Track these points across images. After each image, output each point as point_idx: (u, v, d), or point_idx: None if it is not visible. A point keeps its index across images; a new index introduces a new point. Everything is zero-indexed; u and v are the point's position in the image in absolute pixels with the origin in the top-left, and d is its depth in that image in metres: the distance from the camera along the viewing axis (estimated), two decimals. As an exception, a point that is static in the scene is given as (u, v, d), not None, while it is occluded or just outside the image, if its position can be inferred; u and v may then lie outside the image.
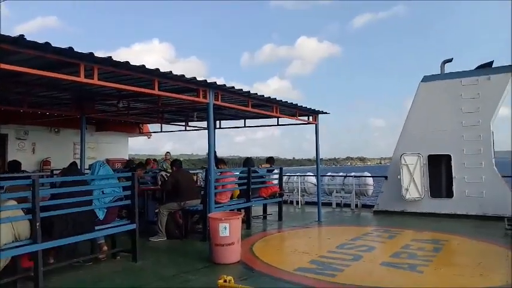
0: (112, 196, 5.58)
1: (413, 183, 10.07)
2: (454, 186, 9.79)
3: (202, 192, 7.42)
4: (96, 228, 5.25)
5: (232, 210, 7.64)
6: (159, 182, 8.42)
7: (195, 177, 9.08)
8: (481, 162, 9.57)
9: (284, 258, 6.13)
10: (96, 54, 4.55)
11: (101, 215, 5.37)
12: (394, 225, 8.60)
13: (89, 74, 4.74)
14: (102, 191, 5.50)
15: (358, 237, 7.30)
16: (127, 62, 4.89)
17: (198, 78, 6.08)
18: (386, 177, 10.91)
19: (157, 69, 5.38)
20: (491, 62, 10.21)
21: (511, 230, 7.56)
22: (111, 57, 4.70)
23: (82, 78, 4.63)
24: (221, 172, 8.06)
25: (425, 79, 10.63)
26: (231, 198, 8.42)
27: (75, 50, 4.30)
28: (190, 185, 7.61)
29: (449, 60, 10.94)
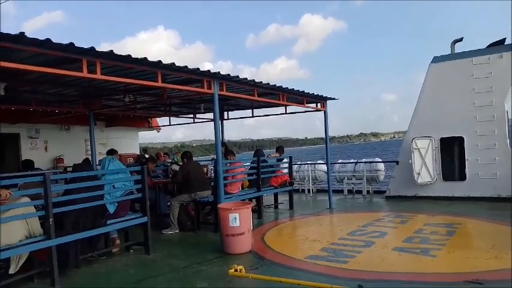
0: (123, 190, 5.64)
1: (425, 167, 9.92)
2: (466, 169, 9.62)
3: (212, 184, 7.44)
4: (108, 222, 5.33)
5: (243, 200, 7.66)
6: (170, 175, 8.47)
7: (205, 169, 9.09)
8: (494, 143, 9.37)
9: (295, 247, 6.13)
10: (101, 46, 4.64)
11: (111, 209, 5.43)
12: (406, 210, 8.52)
13: (92, 69, 4.75)
14: (113, 186, 5.56)
15: (370, 224, 7.25)
16: (129, 55, 4.88)
17: (204, 66, 6.21)
18: (397, 162, 10.78)
19: (160, 61, 5.36)
20: (504, 40, 9.92)
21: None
22: (112, 50, 4.69)
23: (85, 74, 4.64)
24: (230, 163, 8.07)
25: (436, 60, 10.39)
26: (242, 188, 8.45)
27: (76, 45, 4.30)
28: (201, 177, 7.63)
29: (460, 40, 10.67)
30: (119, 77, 5.36)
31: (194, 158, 8.93)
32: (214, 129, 6.75)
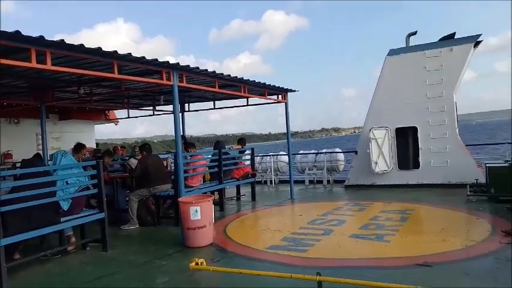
0: (77, 186, 5.42)
1: (382, 156, 10.31)
2: (420, 157, 10.11)
3: (173, 177, 7.32)
4: (62, 220, 5.11)
5: (205, 193, 7.61)
6: (128, 170, 8.21)
7: (165, 162, 8.93)
8: (445, 133, 9.89)
9: (257, 238, 6.19)
10: (55, 38, 4.31)
11: (65, 206, 5.21)
12: (364, 198, 8.83)
13: (42, 59, 4.49)
14: (66, 182, 5.32)
15: (329, 212, 7.46)
16: (81, 45, 4.65)
17: (165, 59, 5.93)
18: (356, 152, 11.12)
19: (116, 52, 5.16)
20: (453, 34, 10.42)
21: (472, 196, 7.91)
22: (63, 40, 4.46)
23: (34, 64, 4.38)
24: (191, 156, 7.97)
25: (391, 53, 10.75)
26: (204, 181, 8.38)
27: (22, 33, 4.05)
28: (160, 170, 7.49)
29: (414, 33, 11.09)
30: (71, 67, 5.11)
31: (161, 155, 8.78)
32: (174, 121, 6.61)
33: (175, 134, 6.63)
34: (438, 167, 9.83)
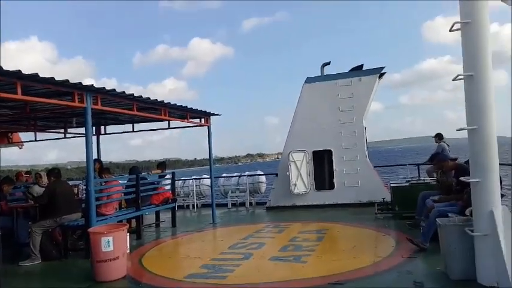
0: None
1: (301, 178, 10.77)
2: (335, 179, 10.75)
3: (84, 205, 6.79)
4: None
5: (121, 221, 7.18)
6: (29, 199, 7.38)
7: (75, 189, 8.26)
8: (356, 155, 10.68)
9: (175, 266, 5.95)
10: None
11: None
12: (284, 220, 9.07)
13: None
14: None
15: (250, 235, 7.50)
16: (-26, 63, 4.18)
17: (85, 82, 5.66)
18: (277, 174, 11.46)
19: (19, 71, 4.77)
20: (362, 65, 11.45)
21: (380, 214, 8.57)
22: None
23: None
24: (105, 182, 7.51)
25: (308, 80, 11.43)
26: (121, 208, 7.92)
27: None
28: (70, 198, 6.89)
29: (328, 63, 11.95)
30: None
31: (70, 182, 8.10)
32: (86, 144, 6.22)
33: (87, 158, 6.22)
34: (351, 187, 10.54)
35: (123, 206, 8.21)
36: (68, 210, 6.57)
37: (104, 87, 6.23)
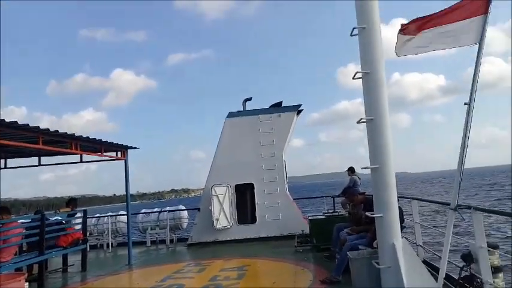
0: None
1: (223, 212, 10.68)
2: (257, 212, 10.85)
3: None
4: None
5: (20, 268, 6.38)
6: None
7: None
8: (276, 188, 10.95)
9: (82, 318, 5.39)
10: None
11: None
12: (205, 257, 8.83)
13: None
14: None
15: (169, 277, 7.13)
16: None
17: None
18: (199, 209, 11.22)
19: None
20: (281, 102, 12.00)
21: (299, 246, 8.78)
22: None
23: None
24: (2, 224, 6.66)
25: (230, 115, 11.62)
26: (21, 252, 7.06)
27: None
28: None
29: (249, 99, 12.31)
30: None
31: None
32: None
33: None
34: (272, 220, 10.70)
35: (24, 249, 7.34)
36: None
37: (4, 119, 5.64)
